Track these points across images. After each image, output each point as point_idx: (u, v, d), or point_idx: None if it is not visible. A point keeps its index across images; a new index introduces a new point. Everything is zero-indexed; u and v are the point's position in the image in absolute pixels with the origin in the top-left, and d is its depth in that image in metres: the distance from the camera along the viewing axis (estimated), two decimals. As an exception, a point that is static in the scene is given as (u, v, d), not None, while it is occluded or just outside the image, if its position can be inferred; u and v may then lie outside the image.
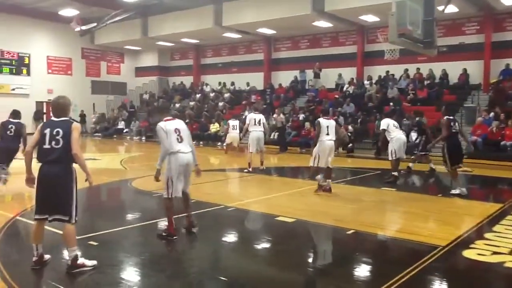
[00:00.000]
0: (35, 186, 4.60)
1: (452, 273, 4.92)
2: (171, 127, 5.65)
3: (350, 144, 17.90)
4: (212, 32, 24.85)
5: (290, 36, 25.85)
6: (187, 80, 30.81)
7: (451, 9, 16.81)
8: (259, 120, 12.00)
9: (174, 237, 5.71)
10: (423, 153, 12.27)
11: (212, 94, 27.53)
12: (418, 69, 21.05)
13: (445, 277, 4.71)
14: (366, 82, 22.20)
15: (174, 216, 5.83)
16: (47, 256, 4.70)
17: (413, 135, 15.96)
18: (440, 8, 13.07)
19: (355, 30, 23.28)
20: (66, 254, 4.64)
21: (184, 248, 5.72)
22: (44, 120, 29.04)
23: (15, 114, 9.47)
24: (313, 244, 6.00)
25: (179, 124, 5.79)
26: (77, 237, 5.51)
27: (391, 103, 19.72)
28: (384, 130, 10.42)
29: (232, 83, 27.71)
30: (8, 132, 9.14)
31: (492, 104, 17.39)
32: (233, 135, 16.79)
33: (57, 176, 4.50)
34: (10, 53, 26.88)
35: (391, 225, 7.06)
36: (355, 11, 19.50)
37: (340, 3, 19.36)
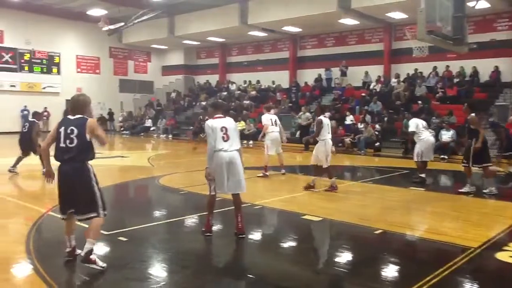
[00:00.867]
0: (53, 181, 4.67)
1: (484, 275, 4.80)
2: (218, 125, 5.60)
3: (377, 143, 17.69)
4: (238, 30, 24.92)
5: (315, 34, 25.69)
6: (213, 79, 30.99)
7: (482, 4, 16.44)
8: (275, 121, 11.32)
9: (208, 234, 5.72)
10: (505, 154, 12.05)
11: (237, 92, 27.61)
12: (447, 66, 20.63)
13: (477, 280, 4.59)
14: (393, 80, 21.88)
15: (201, 214, 5.85)
16: (79, 251, 4.73)
17: (443, 134, 15.70)
18: (471, 4, 12.76)
19: (382, 27, 22.98)
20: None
21: (211, 245, 5.75)
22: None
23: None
24: (340, 243, 5.94)
25: (227, 122, 5.71)
26: (107, 233, 5.65)
27: (419, 101, 19.39)
28: (413, 132, 10.15)
29: (258, 81, 27.73)
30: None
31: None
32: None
33: (75, 175, 4.48)
34: (41, 53, 27.56)
35: (420, 225, 6.93)
36: (382, 8, 19.23)
37: (367, 0, 19.13)
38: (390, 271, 4.83)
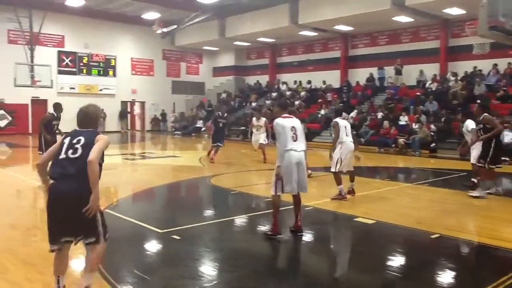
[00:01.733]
0: None
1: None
2: (288, 124, 5.60)
3: (433, 144, 17.09)
4: (288, 30, 24.86)
5: (368, 32, 25.17)
6: (263, 79, 31.09)
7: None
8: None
9: (278, 235, 5.62)
10: None
11: (288, 93, 27.54)
12: (509, 63, 19.57)
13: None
14: (450, 78, 21.04)
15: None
16: None
17: (505, 135, 14.90)
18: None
19: (438, 24, 22.15)
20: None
21: (263, 245, 5.74)
22: (129, 119, 30.79)
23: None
24: (395, 247, 5.76)
25: (296, 122, 5.73)
26: (161, 231, 5.78)
27: (478, 101, 18.50)
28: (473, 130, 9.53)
29: (308, 82, 27.53)
30: None
31: None
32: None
33: (74, 194, 3.43)
34: (98, 56, 28.68)
35: (479, 230, 6.60)
36: (438, 3, 18.54)
37: (422, -4, 18.51)
38: (447, 277, 4.62)
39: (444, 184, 10.44)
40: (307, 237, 6.03)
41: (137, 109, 31.88)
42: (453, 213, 7.40)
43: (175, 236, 5.70)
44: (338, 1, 21.18)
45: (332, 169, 8.00)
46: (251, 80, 32.45)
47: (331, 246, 5.71)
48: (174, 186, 10.19)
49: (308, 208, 7.18)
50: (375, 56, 24.89)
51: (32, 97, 25.92)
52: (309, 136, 16.72)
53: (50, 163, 3.67)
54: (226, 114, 15.09)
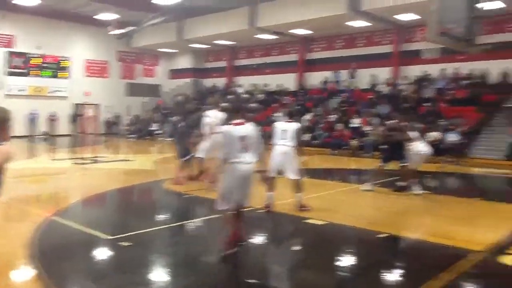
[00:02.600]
0: None
1: (486, 278, 4.72)
2: (237, 133, 4.96)
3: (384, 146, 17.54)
4: (247, 33, 24.90)
5: (325, 36, 25.59)
6: (220, 82, 31.03)
7: (496, 4, 16.21)
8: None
9: (235, 249, 5.15)
10: None
11: (244, 96, 27.59)
12: (456, 68, 20.41)
13: (479, 283, 4.55)
14: (401, 82, 21.72)
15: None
16: None
17: (449, 136, 15.58)
18: (484, 5, 12.58)
19: (392, 29, 22.80)
20: None
21: (216, 250, 5.69)
22: (79, 122, 29.93)
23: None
24: (345, 247, 5.87)
25: (248, 129, 5.02)
26: (111, 237, 5.63)
27: (428, 104, 19.23)
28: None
29: (265, 85, 27.71)
30: None
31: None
32: None
33: None
34: (51, 57, 27.74)
35: (425, 228, 6.82)
36: (392, 9, 19.06)
37: (378, 2, 18.97)
38: (394, 275, 4.80)
39: (394, 185, 10.73)
40: (258, 239, 6.04)
41: (90, 112, 31.04)
42: (402, 213, 7.63)
43: (125, 243, 5.57)
44: (297, 5, 21.40)
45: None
46: (208, 82, 32.31)
47: (280, 248, 5.73)
48: (126, 191, 9.97)
49: (259, 211, 7.19)
50: (331, 60, 25.33)
51: (-22, 99, 24.73)
52: (265, 138, 16.73)
53: None
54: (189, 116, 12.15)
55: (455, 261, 4.92)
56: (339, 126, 19.44)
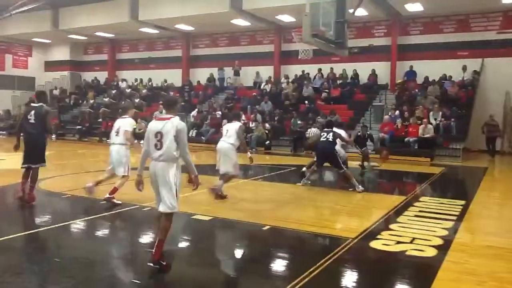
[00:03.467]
0: None
1: (359, 263, 5.19)
2: (154, 128, 4.73)
3: (268, 142, 18.26)
4: (128, 26, 24.10)
5: (209, 34, 25.78)
6: (102, 76, 29.62)
7: (361, 12, 17.69)
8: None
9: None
10: None
11: (128, 91, 26.68)
12: (331, 69, 21.93)
13: (352, 268, 4.98)
14: (283, 80, 22.73)
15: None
16: None
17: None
18: (352, 10, 13.70)
19: (273, 30, 23.72)
20: None
21: (95, 251, 5.48)
22: None
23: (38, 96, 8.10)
24: (230, 241, 6.04)
25: (167, 126, 4.66)
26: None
27: (306, 102, 20.41)
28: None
29: (150, 80, 27.08)
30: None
31: (400, 103, 18.61)
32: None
33: None
34: None
35: (306, 219, 7.24)
36: (272, 10, 19.86)
37: (258, 2, 19.63)
38: (277, 266, 5.02)
39: (278, 179, 11.28)
40: (144, 238, 5.96)
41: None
42: (285, 205, 8.03)
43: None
44: (179, 0, 21.24)
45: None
46: (88, 76, 30.63)
47: (168, 245, 5.70)
48: (-5, 193, 9.10)
49: (145, 209, 7.08)
50: (215, 57, 25.61)
51: None
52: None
53: None
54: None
55: (334, 248, 5.33)
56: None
